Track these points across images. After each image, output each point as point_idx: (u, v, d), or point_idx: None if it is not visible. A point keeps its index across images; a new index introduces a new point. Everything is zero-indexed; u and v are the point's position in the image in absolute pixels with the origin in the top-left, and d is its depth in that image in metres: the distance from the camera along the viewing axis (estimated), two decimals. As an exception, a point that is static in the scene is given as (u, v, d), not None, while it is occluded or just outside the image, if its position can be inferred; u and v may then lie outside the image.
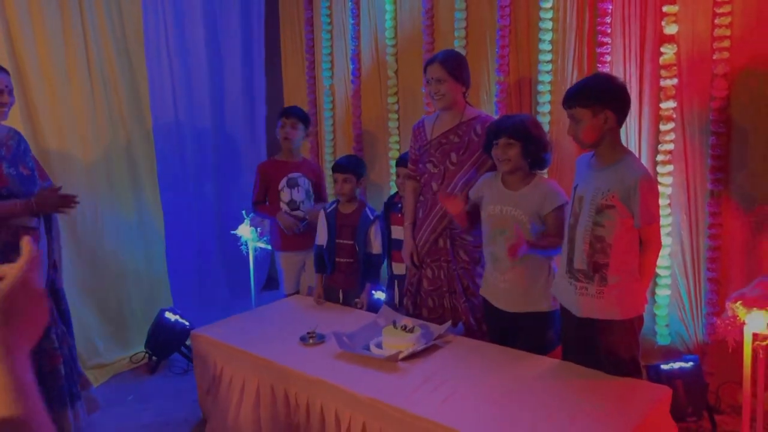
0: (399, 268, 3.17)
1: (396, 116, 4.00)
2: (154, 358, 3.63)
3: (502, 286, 2.57)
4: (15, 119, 3.26)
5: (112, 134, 3.78)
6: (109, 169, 3.76)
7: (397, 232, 3.15)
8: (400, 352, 2.42)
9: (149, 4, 4.01)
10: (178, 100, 4.29)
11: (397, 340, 2.50)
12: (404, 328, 2.54)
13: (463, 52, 3.62)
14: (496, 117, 3.38)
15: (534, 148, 2.47)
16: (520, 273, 2.52)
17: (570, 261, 2.28)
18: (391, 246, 3.21)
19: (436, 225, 2.83)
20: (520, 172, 2.53)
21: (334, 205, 3.26)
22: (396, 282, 3.20)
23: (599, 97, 2.16)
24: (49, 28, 3.45)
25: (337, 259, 3.18)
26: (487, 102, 3.57)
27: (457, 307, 2.83)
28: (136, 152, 3.90)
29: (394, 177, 3.55)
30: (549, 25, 3.27)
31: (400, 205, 3.15)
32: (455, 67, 2.75)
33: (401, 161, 3.17)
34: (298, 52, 4.56)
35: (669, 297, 3.04)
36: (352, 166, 3.23)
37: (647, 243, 2.20)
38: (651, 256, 2.24)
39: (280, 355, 2.53)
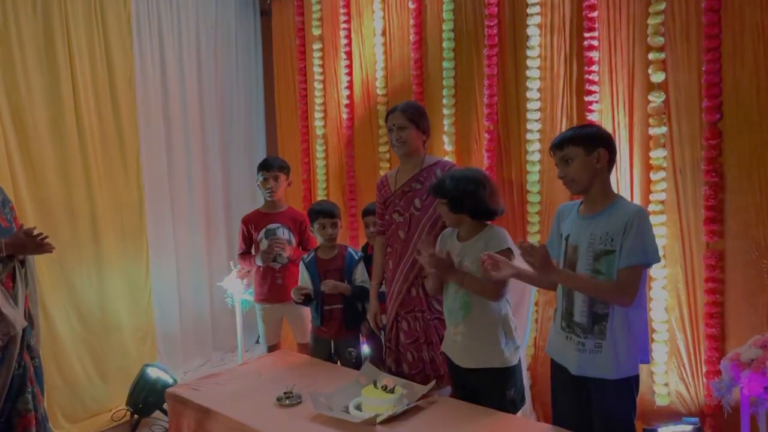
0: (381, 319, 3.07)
1: (387, 165, 3.96)
2: (135, 415, 3.52)
3: (456, 339, 2.49)
4: (4, 169, 3.27)
5: (102, 183, 3.76)
6: (95, 220, 3.72)
7: None
8: (378, 415, 2.29)
9: (142, 59, 4.06)
10: (171, 148, 4.29)
11: (376, 401, 2.37)
12: (385, 389, 2.42)
13: (452, 101, 3.61)
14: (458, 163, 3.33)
15: (464, 203, 2.41)
16: (472, 326, 2.43)
17: (570, 315, 2.17)
18: None
19: (407, 274, 2.78)
20: (467, 224, 2.46)
21: (312, 254, 3.18)
22: (382, 333, 3.09)
23: (591, 136, 2.12)
24: (39, 78, 3.47)
25: (326, 308, 3.08)
26: (477, 151, 3.52)
27: (435, 359, 2.74)
28: (125, 203, 3.88)
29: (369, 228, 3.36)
30: (536, 73, 3.24)
31: (372, 254, 3.11)
32: (416, 115, 2.79)
33: (367, 212, 3.18)
34: (291, 102, 4.58)
35: (667, 354, 2.89)
36: (337, 210, 3.19)
37: (620, 287, 2.01)
38: (614, 298, 2.02)
39: (254, 417, 2.41)
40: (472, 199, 2.41)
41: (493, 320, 2.43)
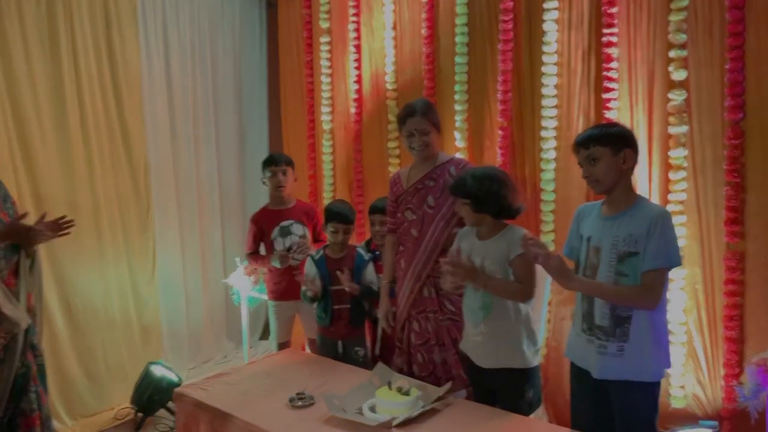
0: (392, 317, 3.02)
1: (397, 161, 3.90)
2: (139, 414, 3.46)
3: (476, 340, 2.45)
4: (7, 163, 3.20)
5: (106, 177, 3.69)
6: (99, 215, 3.65)
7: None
8: (394, 418, 2.24)
9: (147, 50, 3.98)
10: (176, 142, 4.21)
11: (391, 403, 2.32)
12: (399, 390, 2.37)
13: (464, 96, 3.55)
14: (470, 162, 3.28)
15: (487, 203, 2.37)
16: (492, 326, 2.39)
17: (591, 317, 2.12)
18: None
19: (419, 273, 2.73)
20: (487, 223, 2.42)
21: (321, 252, 3.13)
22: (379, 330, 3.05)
23: (618, 136, 2.08)
24: (44, 72, 3.39)
25: (334, 307, 3.03)
26: (490, 148, 3.46)
27: (447, 361, 2.69)
28: (130, 197, 3.80)
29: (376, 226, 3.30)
30: (553, 69, 3.18)
31: (378, 252, 3.09)
32: (434, 116, 2.77)
33: (373, 210, 3.14)
34: (297, 96, 4.50)
35: (684, 356, 2.85)
36: (353, 216, 3.13)
37: (644, 290, 1.98)
38: (638, 302, 2.01)
39: (266, 419, 2.35)
40: (495, 199, 2.37)
41: (514, 320, 2.38)
